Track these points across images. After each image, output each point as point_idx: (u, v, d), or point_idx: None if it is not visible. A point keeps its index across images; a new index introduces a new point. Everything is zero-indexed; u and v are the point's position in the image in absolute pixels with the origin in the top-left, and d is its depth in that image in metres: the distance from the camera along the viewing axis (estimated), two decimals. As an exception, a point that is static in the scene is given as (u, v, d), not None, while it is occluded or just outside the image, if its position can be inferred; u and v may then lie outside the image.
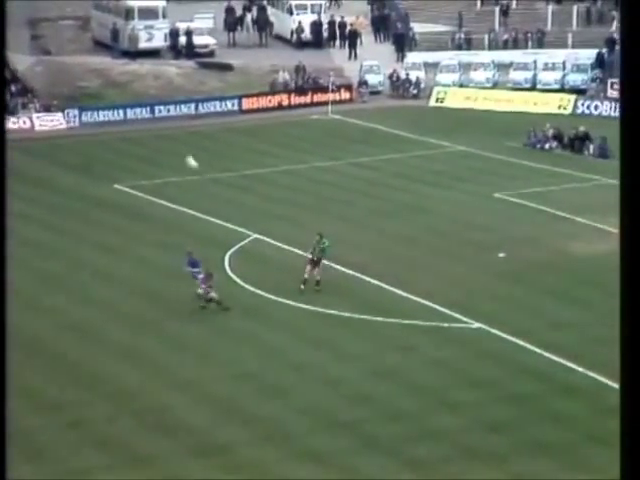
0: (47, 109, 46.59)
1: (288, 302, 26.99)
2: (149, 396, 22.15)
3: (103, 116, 46.96)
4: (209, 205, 35.74)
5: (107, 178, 38.73)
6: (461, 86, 51.00)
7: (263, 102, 49.45)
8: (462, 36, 55.43)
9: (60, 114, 46.31)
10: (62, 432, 20.49)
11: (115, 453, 19.81)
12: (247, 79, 51.55)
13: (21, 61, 49.22)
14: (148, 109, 47.69)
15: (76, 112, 46.54)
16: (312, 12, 56.29)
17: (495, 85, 51.31)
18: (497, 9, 57.41)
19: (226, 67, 52.72)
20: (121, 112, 47.31)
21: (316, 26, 55.65)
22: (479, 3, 58.74)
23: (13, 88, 47.77)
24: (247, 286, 28.05)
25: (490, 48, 54.97)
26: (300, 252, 29.51)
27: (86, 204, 35.86)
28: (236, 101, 49.13)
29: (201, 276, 26.76)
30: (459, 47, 55.07)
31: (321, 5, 56.72)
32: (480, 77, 51.46)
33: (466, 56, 53.30)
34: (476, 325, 25.70)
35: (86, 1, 55.52)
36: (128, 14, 53.83)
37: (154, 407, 21.68)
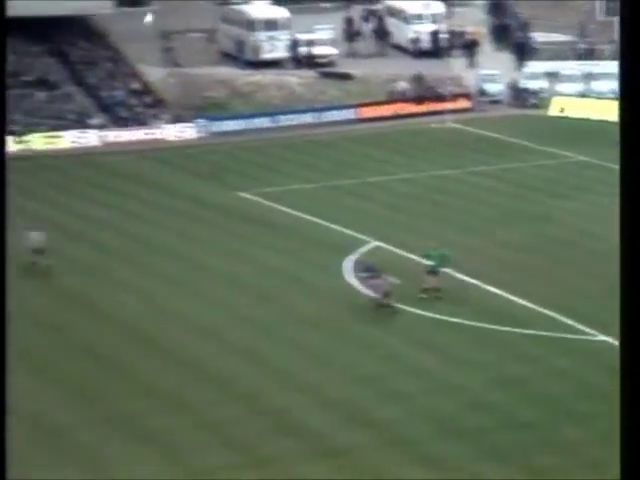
0: (178, 120, 47.71)
1: (408, 308, 26.91)
2: (272, 398, 22.37)
3: (230, 126, 47.76)
4: (329, 212, 35.97)
5: (232, 186, 39.34)
6: (583, 96, 50.01)
7: (381, 111, 49.51)
8: (584, 46, 54.36)
9: (190, 124, 47.35)
10: (192, 431, 20.79)
11: (240, 453, 20.04)
12: (366, 88, 51.68)
13: (153, 73, 50.45)
14: (271, 118, 48.38)
15: (205, 122, 47.50)
16: (430, 21, 56.10)
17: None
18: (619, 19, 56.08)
19: (346, 76, 52.99)
20: (246, 122, 48.10)
21: (434, 35, 55.42)
22: (600, 13, 57.42)
23: (146, 100, 49.17)
24: (367, 292, 28.09)
25: (614, 58, 53.70)
26: (419, 259, 29.41)
27: (213, 211, 36.45)
28: (355, 110, 49.36)
29: (377, 281, 26.70)
30: (580, 57, 54.00)
31: (439, 15, 56.47)
32: (603, 87, 50.33)
33: (588, 66, 52.23)
34: (600, 337, 25.15)
35: (214, 14, 56.57)
36: (252, 26, 54.71)
37: (277, 409, 21.88)
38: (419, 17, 56.17)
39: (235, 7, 57.77)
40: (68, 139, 45.30)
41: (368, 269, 27.37)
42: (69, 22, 50.33)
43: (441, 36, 55.46)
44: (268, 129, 47.70)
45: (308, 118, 48.98)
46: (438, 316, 26.56)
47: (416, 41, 55.50)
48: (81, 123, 46.63)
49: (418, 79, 51.27)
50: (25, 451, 19.67)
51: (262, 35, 54.41)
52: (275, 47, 54.39)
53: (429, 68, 52.35)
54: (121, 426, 20.92)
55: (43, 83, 48.42)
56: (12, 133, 44.66)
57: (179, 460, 19.72)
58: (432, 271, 27.68)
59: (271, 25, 54.83)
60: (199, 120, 47.37)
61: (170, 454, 19.89)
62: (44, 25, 49.88)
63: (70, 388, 22.54)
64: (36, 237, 28.93)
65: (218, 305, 27.61)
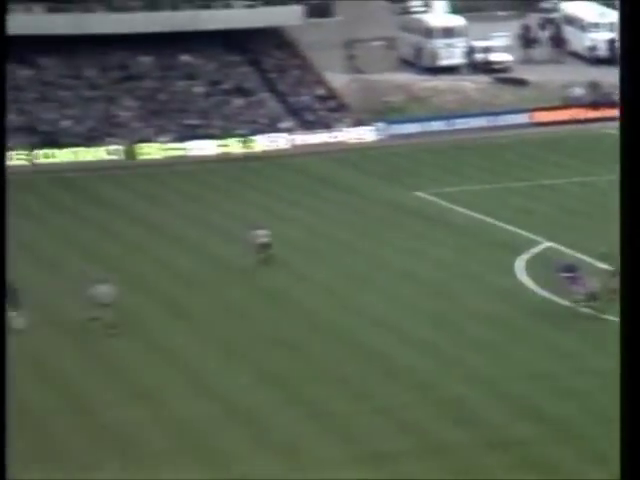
0: (358, 123, 48.67)
1: (581, 309, 26.35)
2: (446, 389, 22.41)
3: (407, 129, 48.32)
4: (502, 212, 35.81)
5: (409, 186, 39.73)
6: None
7: (556, 115, 48.83)
8: None
9: (370, 127, 48.23)
10: (370, 417, 21.09)
11: (415, 440, 20.13)
12: (540, 93, 51.02)
13: (337, 79, 51.58)
14: (447, 122, 48.64)
15: (384, 125, 48.29)
16: (607, 30, 54.83)
17: None
18: None
19: (521, 82, 52.52)
20: (423, 125, 48.52)
21: (611, 43, 54.10)
22: None
23: (330, 104, 50.43)
24: (538, 291, 27.89)
25: None
26: (592, 261, 29.03)
27: (391, 210, 36.90)
28: (529, 114, 48.92)
29: (579, 281, 25.92)
30: None
31: (616, 23, 55.06)
32: None
33: None
34: None
35: (394, 23, 57.28)
36: (430, 33, 55.11)
37: (451, 399, 21.87)
38: (596, 25, 55.01)
39: (414, 16, 58.30)
40: (261, 143, 47.06)
41: (569, 269, 26.91)
42: (263, 33, 52.13)
43: (618, 44, 54.11)
44: (444, 132, 47.89)
45: (483, 122, 48.90)
46: (613, 318, 26.13)
47: (593, 49, 54.34)
48: (272, 127, 48.23)
49: (594, 85, 50.20)
50: (222, 427, 20.57)
51: (439, 42, 54.72)
52: (452, 54, 54.60)
53: (605, 75, 51.05)
54: (305, 410, 21.41)
55: (240, 90, 50.36)
56: (211, 137, 46.90)
57: (357, 444, 19.99)
58: (609, 274, 27.24)
59: (448, 33, 55.07)
60: (378, 123, 48.21)
61: (349, 437, 20.23)
62: (242, 36, 51.90)
63: (261, 373, 23.27)
64: (261, 234, 30.27)
65: (397, 299, 27.86)
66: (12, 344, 24.53)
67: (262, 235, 30.27)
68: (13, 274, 27.59)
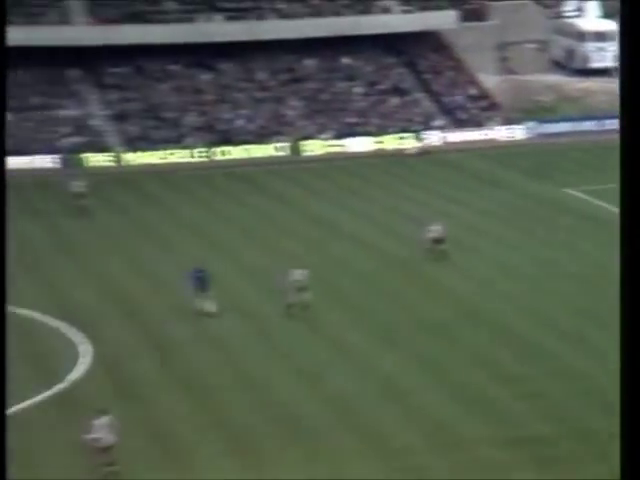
0: (508, 122, 48.11)
1: None
2: (593, 378, 21.96)
3: (557, 128, 47.42)
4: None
5: (558, 182, 38.98)
6: None
7: None
8: None
9: (520, 126, 47.60)
10: (516, 401, 20.96)
11: (558, 425, 19.80)
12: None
13: (489, 80, 51.12)
14: (597, 122, 47.40)
15: (534, 124, 47.55)
16: None
17: None
18: None
19: (672, 84, 50.61)
20: (573, 124, 47.50)
21: None
22: None
23: (481, 104, 50.06)
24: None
25: None
26: None
27: (540, 205, 36.33)
28: (680, 115, 47.12)
29: None
30: None
31: None
32: None
33: None
34: None
35: (546, 26, 56.25)
36: (582, 37, 53.97)
37: (597, 389, 21.40)
38: None
39: (567, 20, 57.10)
40: (415, 139, 47.21)
41: None
42: (419, 37, 52.22)
43: None
44: (594, 132, 46.67)
45: (633, 123, 47.49)
46: None
47: None
48: (426, 125, 48.37)
49: None
50: (377, 405, 20.92)
51: (591, 46, 53.54)
52: (603, 57, 53.33)
53: None
54: (455, 391, 21.48)
55: (396, 90, 50.71)
56: (369, 134, 47.44)
57: (503, 426, 19.85)
58: None
59: (600, 37, 53.83)
60: (529, 122, 47.53)
61: (495, 419, 20.12)
62: (399, 40, 52.17)
63: (417, 357, 23.42)
64: (436, 228, 30.25)
65: (546, 290, 27.48)
66: (205, 326, 25.87)
67: (436, 230, 30.28)
68: (194, 260, 29.10)
